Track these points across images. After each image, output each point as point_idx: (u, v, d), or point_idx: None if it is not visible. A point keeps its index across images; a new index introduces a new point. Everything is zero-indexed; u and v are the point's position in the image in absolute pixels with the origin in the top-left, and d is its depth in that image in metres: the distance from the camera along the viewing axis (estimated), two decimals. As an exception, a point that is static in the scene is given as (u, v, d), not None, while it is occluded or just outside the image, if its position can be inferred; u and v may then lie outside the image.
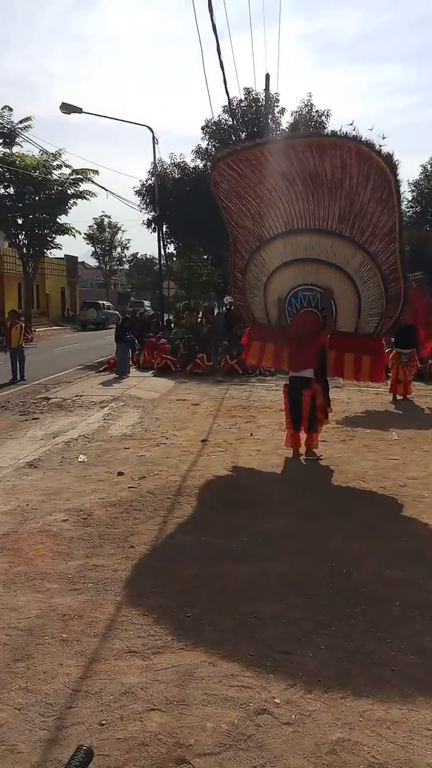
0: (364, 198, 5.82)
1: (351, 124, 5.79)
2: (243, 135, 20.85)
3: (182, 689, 2.82)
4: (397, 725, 2.58)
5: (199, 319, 19.82)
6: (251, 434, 8.10)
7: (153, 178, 22.93)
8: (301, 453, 6.88)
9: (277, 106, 22.38)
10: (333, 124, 23.07)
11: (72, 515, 5.07)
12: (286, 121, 22.53)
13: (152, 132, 21.89)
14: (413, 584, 3.88)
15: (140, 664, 3.02)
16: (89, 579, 3.95)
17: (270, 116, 21.16)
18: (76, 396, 11.33)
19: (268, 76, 19.26)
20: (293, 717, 2.63)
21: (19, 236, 29.32)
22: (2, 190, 28.11)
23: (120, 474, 6.25)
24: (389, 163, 5.37)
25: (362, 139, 5.43)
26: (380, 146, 5.36)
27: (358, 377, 7.11)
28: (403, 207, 29.61)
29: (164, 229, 24.09)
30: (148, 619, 3.44)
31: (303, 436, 6.89)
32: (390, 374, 10.80)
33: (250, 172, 6.28)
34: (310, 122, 21.72)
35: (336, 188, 5.91)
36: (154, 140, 21.91)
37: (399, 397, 10.84)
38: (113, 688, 2.84)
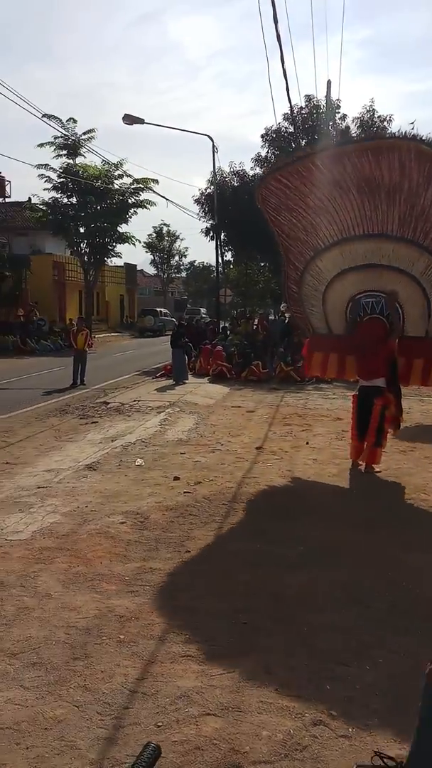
0: (426, 200, 5.66)
1: (412, 123, 5.68)
2: (303, 142, 20.79)
3: (237, 695, 2.82)
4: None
5: (255, 327, 19.77)
6: (307, 443, 8.03)
7: (212, 187, 23.15)
8: (360, 464, 6.73)
9: (338, 112, 22.25)
10: (395, 129, 22.68)
11: (129, 518, 5.15)
12: (346, 127, 22.35)
13: (212, 141, 22.13)
14: None
15: (195, 668, 3.03)
16: (146, 582, 4.00)
17: (331, 123, 21.03)
18: (134, 401, 11.52)
19: (329, 83, 19.38)
20: (350, 730, 2.59)
21: (81, 245, 30.10)
22: (65, 200, 28.96)
23: (176, 479, 6.31)
24: None
25: (422, 138, 5.27)
26: None
27: (425, 383, 6.94)
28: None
29: (222, 236, 24.26)
30: (203, 624, 3.45)
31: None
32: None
33: (300, 184, 6.19)
34: (371, 128, 21.45)
35: (394, 192, 5.76)
36: (214, 149, 22.15)
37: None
38: (169, 690, 2.86)
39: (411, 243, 6.12)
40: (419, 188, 5.58)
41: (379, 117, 22.14)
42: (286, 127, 22.43)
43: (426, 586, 3.92)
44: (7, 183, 30.91)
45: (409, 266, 6.30)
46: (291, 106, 13.37)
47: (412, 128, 5.38)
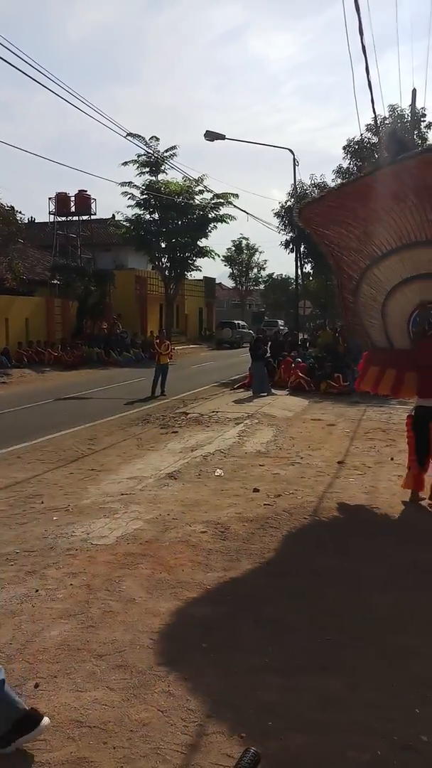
0: None
1: None
2: (385, 153, 20.44)
3: (322, 712, 2.76)
4: None
5: (337, 337, 19.50)
6: (392, 458, 7.79)
7: (292, 200, 23.14)
8: (423, 497, 6.05)
9: (424, 120, 21.72)
10: None
11: (210, 527, 5.17)
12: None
13: (293, 154, 22.16)
14: None
15: (279, 682, 3.00)
16: (227, 592, 4.00)
17: (416, 132, 20.57)
18: (213, 412, 11.61)
19: (414, 91, 18.82)
20: (442, 758, 2.47)
21: (162, 259, 30.83)
22: (148, 216, 29.78)
23: (255, 491, 6.29)
24: None
25: None
26: None
27: None
28: None
29: (302, 248, 24.17)
30: (286, 637, 3.41)
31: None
32: None
33: (348, 202, 5.85)
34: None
35: None
36: (295, 162, 22.16)
37: None
38: (252, 702, 2.83)
39: None
40: None
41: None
42: (369, 138, 22.14)
43: None
44: (92, 201, 32.17)
45: None
46: (375, 116, 13.18)
47: None
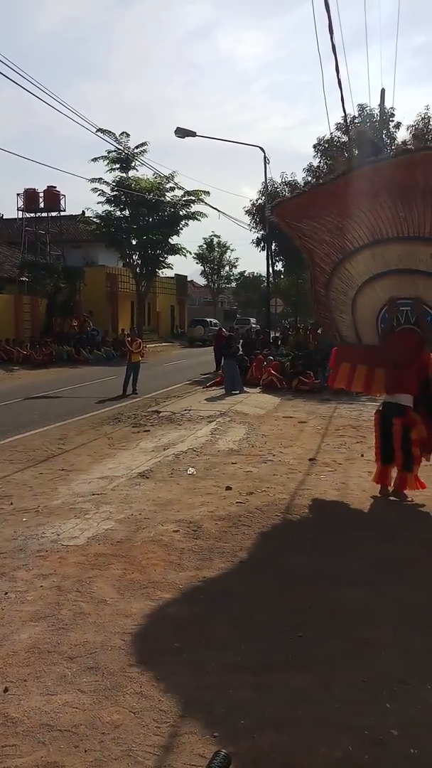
0: None
1: None
2: (356, 152, 20.64)
3: (294, 709, 2.77)
4: None
5: (307, 336, 19.63)
6: (362, 455, 7.87)
7: (263, 198, 23.21)
8: (390, 488, 6.13)
9: (392, 120, 21.98)
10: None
11: (182, 526, 5.16)
12: (401, 135, 22.08)
13: (263, 152, 22.22)
14: None
15: (251, 680, 3.00)
16: (199, 591, 3.99)
17: (384, 131, 20.81)
18: (185, 410, 11.58)
19: (383, 91, 19.03)
20: (412, 751, 2.50)
21: (133, 257, 30.62)
22: (118, 213, 29.54)
23: (228, 489, 6.29)
24: None
25: None
26: None
27: None
28: None
29: (273, 246, 24.26)
30: (258, 635, 3.42)
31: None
32: None
33: (321, 199, 5.86)
34: (426, 135, 21.11)
35: (430, 193, 5.30)
36: (265, 160, 22.21)
37: None
38: (225, 701, 2.83)
39: None
40: None
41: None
42: (339, 137, 22.31)
43: None
44: (62, 197, 31.77)
45: None
46: (345, 115, 13.28)
47: None
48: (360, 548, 4.72)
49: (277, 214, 6.42)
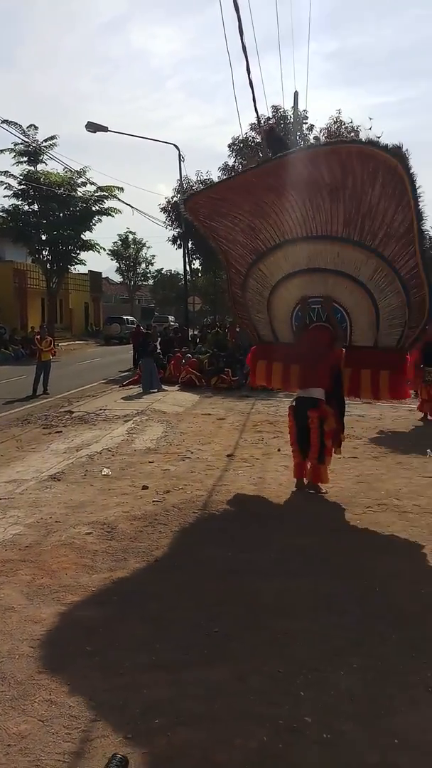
0: (373, 197, 5.20)
1: (379, 136, 5.41)
2: (270, 153, 21.01)
3: (210, 704, 2.74)
4: (435, 749, 2.46)
5: (226, 334, 19.81)
6: (279, 449, 7.99)
7: (179, 195, 23.19)
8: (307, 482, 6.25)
9: (306, 122, 22.53)
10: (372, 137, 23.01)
11: (96, 528, 5.02)
12: (314, 137, 22.67)
13: (178, 149, 22.19)
14: (448, 604, 3.75)
15: (166, 678, 2.95)
16: (113, 592, 3.89)
17: (298, 133, 21.29)
18: (100, 410, 11.35)
19: (296, 94, 19.39)
20: (325, 736, 2.53)
21: (43, 252, 29.74)
22: (26, 207, 28.59)
23: (144, 488, 6.20)
24: (398, 156, 4.70)
25: (363, 140, 5.00)
26: (389, 144, 4.70)
27: (376, 396, 6.44)
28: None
29: (190, 245, 24.29)
30: (174, 633, 3.37)
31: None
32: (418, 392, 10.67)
33: (232, 194, 5.83)
34: (339, 138, 21.79)
35: (338, 189, 5.29)
36: (180, 158, 22.21)
37: (430, 417, 10.60)
38: (139, 701, 2.77)
39: (357, 245, 5.71)
40: (364, 185, 5.16)
41: (346, 128, 22.52)
42: (253, 137, 22.62)
43: (399, 591, 3.89)
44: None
45: (355, 271, 5.92)
46: (258, 117, 13.44)
47: (377, 138, 5.23)
48: (275, 541, 4.77)
49: (190, 209, 6.35)
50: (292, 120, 21.07)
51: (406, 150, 4.65)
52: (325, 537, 4.90)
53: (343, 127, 22.42)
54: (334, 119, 22.63)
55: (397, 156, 4.69)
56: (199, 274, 33.34)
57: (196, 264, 29.35)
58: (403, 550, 4.61)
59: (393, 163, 4.72)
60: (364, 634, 3.35)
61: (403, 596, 3.81)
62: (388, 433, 9.44)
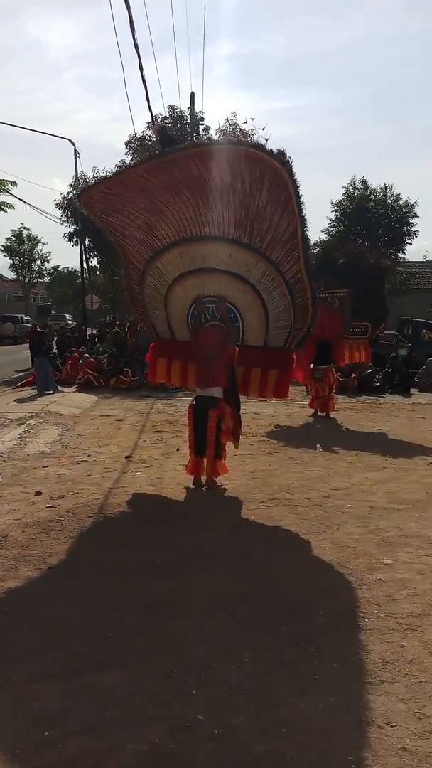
0: (260, 201, 5.31)
1: (267, 138, 5.55)
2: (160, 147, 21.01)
3: (102, 711, 2.72)
4: (318, 734, 2.58)
5: (125, 334, 19.63)
6: (177, 449, 8.04)
7: (74, 191, 22.67)
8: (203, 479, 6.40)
9: (202, 124, 22.72)
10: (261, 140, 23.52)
11: (-15, 537, 4.82)
12: (206, 137, 22.89)
13: (74, 145, 21.71)
14: (336, 593, 3.93)
15: (58, 687, 2.89)
16: (3, 603, 3.76)
17: (195, 134, 21.43)
18: (-7, 413, 10.88)
19: (193, 95, 19.68)
20: (216, 732, 2.59)
21: None
22: None
23: (38, 494, 6.02)
24: (283, 163, 4.82)
25: (250, 142, 5.13)
26: (274, 149, 4.82)
27: (262, 394, 6.69)
28: (326, 226, 30.99)
29: (87, 242, 23.81)
30: (66, 640, 3.30)
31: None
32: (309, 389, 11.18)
33: (125, 191, 5.81)
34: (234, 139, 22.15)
35: (228, 192, 5.38)
36: (76, 153, 21.73)
37: (321, 413, 11.08)
38: (29, 714, 2.69)
39: (247, 248, 5.84)
40: (252, 189, 5.24)
41: (241, 131, 22.90)
42: (150, 136, 22.52)
43: (290, 583, 4.04)
44: None
45: (246, 273, 6.05)
46: (152, 116, 13.41)
47: (266, 142, 5.38)
48: (172, 540, 4.80)
49: (85, 203, 6.23)
50: (188, 120, 21.19)
51: (290, 158, 4.83)
52: (221, 533, 4.99)
53: (238, 129, 22.82)
54: (230, 122, 23.01)
55: (281, 162, 4.82)
56: (98, 272, 32.76)
57: (94, 261, 28.83)
58: (293, 543, 4.79)
59: (278, 168, 4.85)
60: (255, 627, 3.45)
61: (293, 588, 3.96)
62: (281, 428, 9.76)
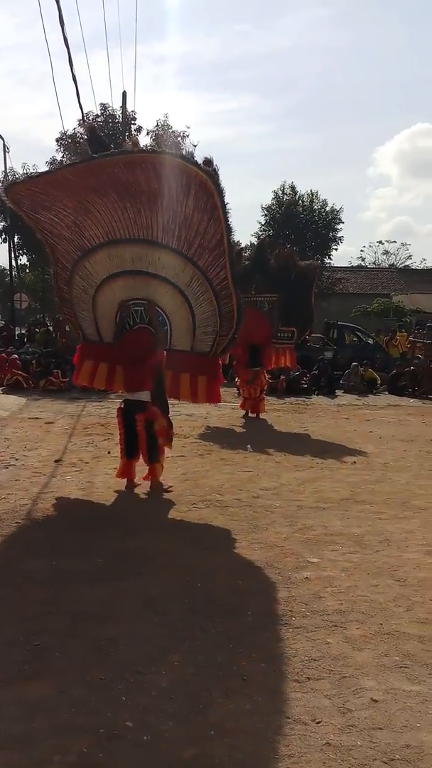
0: (187, 208, 5.39)
1: (195, 145, 5.62)
2: (90, 152, 20.73)
3: (28, 723, 2.66)
4: (246, 734, 2.63)
5: (56, 334, 19.23)
6: (108, 452, 7.95)
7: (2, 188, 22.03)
8: (137, 484, 6.39)
9: (134, 123, 22.55)
10: (189, 145, 23.59)
11: None
12: (142, 139, 22.77)
13: (2, 140, 21.08)
14: (264, 593, 4.01)
15: (-19, 702, 2.81)
16: None
17: (127, 133, 21.26)
18: None
19: (125, 94, 19.51)
20: (145, 738, 2.59)
21: None
22: None
23: (-38, 499, 5.83)
24: (208, 173, 4.90)
25: (175, 152, 5.20)
26: (201, 158, 4.94)
27: (195, 399, 6.78)
28: (257, 230, 31.40)
29: (16, 239, 23.17)
30: (-9, 652, 3.22)
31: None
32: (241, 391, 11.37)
33: (53, 190, 5.72)
34: (165, 142, 22.11)
35: (155, 197, 5.43)
36: (5, 148, 21.11)
37: (252, 415, 11.25)
38: None
39: (175, 252, 5.89)
40: (179, 195, 5.30)
41: (173, 132, 22.90)
42: (82, 133, 22.14)
43: (219, 585, 4.08)
44: None
45: (174, 277, 6.10)
46: (82, 113, 13.24)
47: (195, 148, 5.44)
48: (102, 545, 4.75)
49: (11, 199, 6.05)
50: (120, 120, 20.99)
51: (216, 166, 4.90)
52: (152, 537, 4.99)
53: (170, 131, 22.82)
54: (162, 123, 22.96)
55: (206, 172, 4.90)
56: (27, 270, 31.87)
57: (24, 260, 28.06)
58: (223, 545, 4.85)
59: (203, 178, 4.91)
60: (185, 630, 3.47)
61: (223, 590, 4.01)
62: (213, 430, 9.84)
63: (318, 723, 2.71)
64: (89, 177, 5.40)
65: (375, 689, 2.97)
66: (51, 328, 20.00)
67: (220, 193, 5.04)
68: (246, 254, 13.05)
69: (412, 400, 14.62)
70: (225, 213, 5.21)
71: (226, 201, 5.11)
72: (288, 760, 2.48)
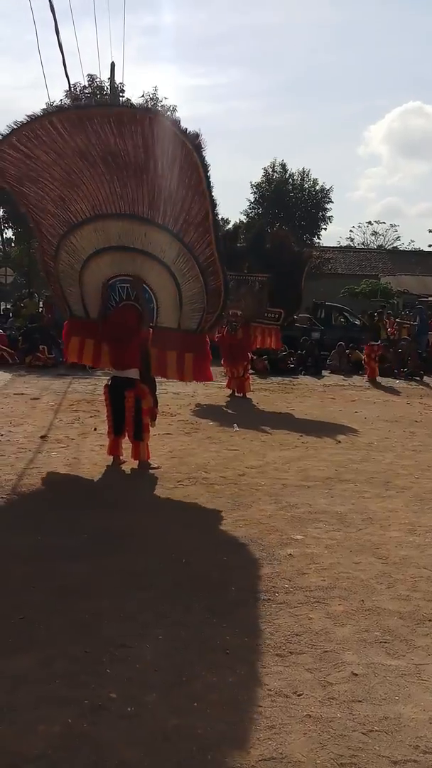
0: (173, 183, 5.34)
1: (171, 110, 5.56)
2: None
3: (13, 696, 2.69)
4: (228, 706, 2.67)
5: (41, 309, 19.04)
6: (95, 429, 7.94)
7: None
8: (124, 461, 6.38)
9: (123, 95, 22.18)
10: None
11: None
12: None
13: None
14: (248, 569, 4.06)
15: (-34, 675, 2.83)
16: None
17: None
18: None
19: (113, 65, 19.16)
20: (129, 710, 2.62)
21: None
22: None
23: None
24: (194, 144, 4.85)
25: (165, 115, 5.21)
26: (188, 129, 4.87)
27: (182, 377, 6.78)
28: (245, 208, 31.21)
29: (1, 213, 22.82)
30: (-24, 626, 3.23)
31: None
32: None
33: (41, 153, 5.55)
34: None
35: (141, 171, 5.39)
36: (-10, 118, 20.63)
37: (238, 394, 11.30)
38: None
39: (162, 228, 5.83)
40: (164, 170, 5.26)
41: (162, 106, 22.57)
42: (68, 105, 21.73)
43: (204, 561, 4.12)
44: None
45: (161, 253, 6.05)
46: (69, 84, 12.99)
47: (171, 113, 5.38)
48: (86, 522, 4.76)
49: None
50: (108, 92, 20.61)
51: (202, 139, 4.84)
52: (137, 514, 5.01)
53: (159, 105, 22.47)
54: (150, 96, 22.59)
55: (192, 142, 4.85)
56: (13, 244, 31.43)
57: (9, 233, 27.68)
58: (208, 521, 4.89)
59: (189, 149, 4.86)
60: (170, 605, 3.51)
61: (207, 565, 4.04)
62: (200, 408, 9.86)
63: (299, 695, 2.76)
64: (78, 132, 5.23)
65: (356, 663, 3.03)
66: (38, 301, 19.77)
67: (205, 167, 5.00)
68: (242, 236, 13.07)
69: (397, 381, 14.73)
70: (210, 188, 5.16)
71: (209, 176, 5.04)
72: (269, 731, 2.52)
